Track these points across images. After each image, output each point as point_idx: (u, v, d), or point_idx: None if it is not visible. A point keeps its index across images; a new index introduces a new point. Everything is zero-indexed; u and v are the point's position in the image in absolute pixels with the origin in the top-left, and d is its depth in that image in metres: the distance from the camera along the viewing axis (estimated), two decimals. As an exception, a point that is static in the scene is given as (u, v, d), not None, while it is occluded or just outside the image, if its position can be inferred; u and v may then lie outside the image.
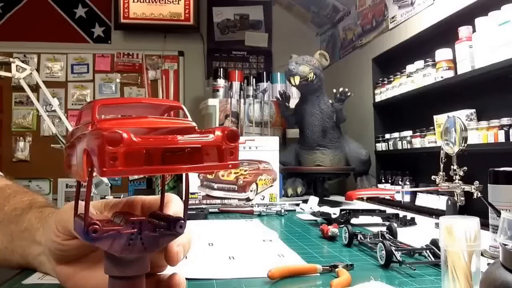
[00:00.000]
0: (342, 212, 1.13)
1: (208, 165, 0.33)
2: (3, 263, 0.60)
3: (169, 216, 0.39)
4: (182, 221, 0.37)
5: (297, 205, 1.47)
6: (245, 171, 1.52)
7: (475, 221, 0.47)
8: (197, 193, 1.48)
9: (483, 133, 1.31)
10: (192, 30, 3.02)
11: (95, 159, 0.29)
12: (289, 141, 2.26)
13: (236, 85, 2.50)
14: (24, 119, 2.91)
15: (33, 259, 0.54)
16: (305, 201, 1.34)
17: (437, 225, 1.09)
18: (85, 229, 0.33)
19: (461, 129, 0.99)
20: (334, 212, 1.12)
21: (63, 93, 2.95)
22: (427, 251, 0.73)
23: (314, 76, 1.83)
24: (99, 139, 0.28)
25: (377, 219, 1.16)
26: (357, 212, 1.15)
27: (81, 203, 0.36)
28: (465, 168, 1.03)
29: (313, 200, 1.29)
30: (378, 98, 2.04)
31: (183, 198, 0.39)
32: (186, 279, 0.59)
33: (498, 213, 0.71)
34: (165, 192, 0.43)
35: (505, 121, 1.25)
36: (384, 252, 0.68)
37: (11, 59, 2.14)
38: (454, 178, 1.04)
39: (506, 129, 1.23)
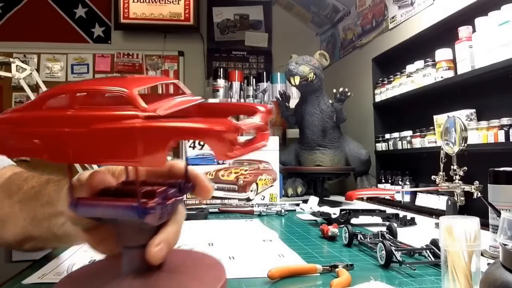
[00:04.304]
0: (342, 212, 1.13)
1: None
2: (30, 243, 0.60)
3: (168, 180, 0.40)
4: (189, 183, 0.40)
5: (297, 205, 1.47)
6: (245, 171, 1.52)
7: (475, 221, 0.47)
8: (197, 193, 1.48)
9: (483, 133, 1.31)
10: (192, 30, 3.02)
11: (217, 145, 0.32)
12: (289, 141, 2.26)
13: (236, 85, 2.50)
14: (24, 119, 2.91)
15: (58, 230, 0.54)
16: (305, 201, 1.34)
17: (437, 225, 1.09)
18: (139, 206, 0.35)
19: (461, 129, 0.99)
20: (334, 212, 1.12)
21: (63, 93, 2.95)
22: (427, 251, 0.73)
23: (314, 76, 1.83)
24: (220, 128, 0.32)
25: (377, 219, 1.16)
26: (357, 212, 1.16)
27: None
28: (465, 168, 1.03)
29: (313, 200, 1.29)
30: (378, 98, 2.04)
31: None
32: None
33: (498, 213, 0.71)
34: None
35: (505, 121, 1.25)
36: (384, 252, 0.68)
37: (11, 59, 2.14)
38: (454, 178, 1.04)
39: (506, 129, 1.23)
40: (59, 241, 0.57)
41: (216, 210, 1.41)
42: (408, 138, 1.78)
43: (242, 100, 2.31)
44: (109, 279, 0.39)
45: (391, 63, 2.02)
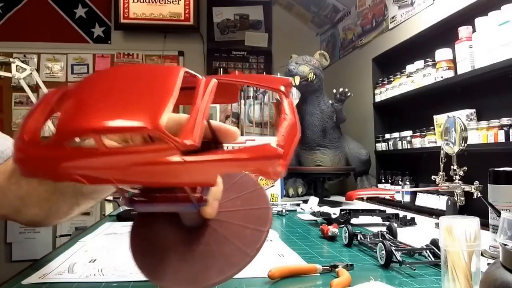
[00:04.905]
0: (342, 212, 1.13)
1: None
2: (56, 215, 0.61)
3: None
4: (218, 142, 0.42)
5: (298, 205, 1.47)
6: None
7: (475, 221, 0.47)
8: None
9: (483, 133, 1.31)
10: (192, 30, 3.02)
11: (263, 174, 0.34)
12: (289, 141, 2.25)
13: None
14: (24, 119, 2.91)
15: (86, 188, 0.55)
16: (306, 201, 1.34)
17: (437, 225, 1.09)
18: (195, 204, 0.38)
19: (461, 129, 0.99)
20: (334, 212, 1.13)
21: (63, 93, 2.95)
22: (427, 251, 0.73)
23: (314, 76, 1.84)
24: (263, 163, 0.33)
25: (377, 219, 1.16)
26: (357, 212, 1.16)
27: None
28: (465, 168, 1.03)
29: (313, 200, 1.29)
30: (378, 98, 2.04)
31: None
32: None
33: (498, 213, 0.71)
34: None
35: (505, 121, 1.25)
36: (384, 252, 0.68)
37: (11, 59, 2.15)
38: (454, 178, 1.04)
39: (506, 129, 1.23)
40: (89, 197, 0.58)
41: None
42: (408, 138, 1.78)
43: (242, 101, 2.31)
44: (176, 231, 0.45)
45: (391, 63, 2.02)
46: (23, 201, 0.59)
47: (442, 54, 1.53)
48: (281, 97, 0.38)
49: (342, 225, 0.92)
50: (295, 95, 2.33)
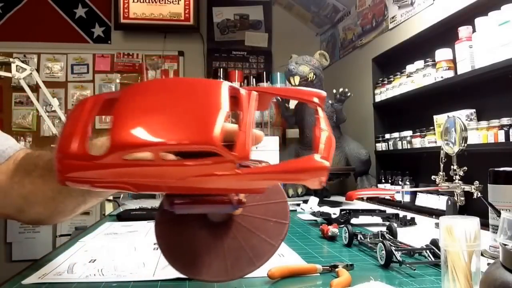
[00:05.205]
0: (342, 212, 1.13)
1: None
2: (62, 214, 0.61)
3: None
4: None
5: (298, 205, 1.47)
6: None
7: (475, 221, 0.47)
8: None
9: (483, 133, 1.31)
10: (192, 30, 3.02)
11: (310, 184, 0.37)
12: (289, 141, 2.26)
13: (236, 85, 2.49)
14: (24, 119, 2.91)
15: None
16: (306, 201, 1.34)
17: (437, 225, 1.09)
18: (235, 205, 0.40)
19: (461, 129, 0.99)
20: (334, 212, 1.12)
21: (63, 93, 2.95)
22: (427, 251, 0.73)
23: (314, 76, 1.84)
24: (312, 177, 0.35)
25: (377, 219, 1.16)
26: (357, 212, 1.16)
27: None
28: (465, 168, 1.03)
29: (313, 200, 1.29)
30: (378, 98, 2.04)
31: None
32: (186, 279, 0.59)
33: (498, 213, 0.71)
34: None
35: (505, 121, 1.25)
36: (384, 252, 0.68)
37: (11, 59, 2.15)
38: (454, 178, 1.04)
39: (506, 129, 1.23)
40: (97, 195, 0.59)
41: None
42: (408, 138, 1.78)
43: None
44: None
45: (391, 63, 2.02)
46: (27, 200, 0.59)
47: (442, 54, 1.53)
48: (316, 109, 0.40)
49: (342, 225, 0.92)
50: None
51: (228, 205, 0.39)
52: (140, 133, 0.32)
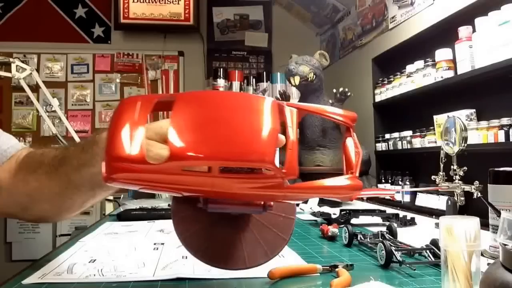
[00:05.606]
0: (342, 212, 1.13)
1: None
2: (66, 207, 0.61)
3: None
4: None
5: (298, 205, 1.47)
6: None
7: (475, 221, 0.47)
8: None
9: (483, 133, 1.31)
10: (192, 30, 3.02)
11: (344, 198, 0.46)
12: (289, 141, 2.25)
13: (236, 85, 2.50)
14: (24, 119, 2.91)
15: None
16: (306, 201, 1.34)
17: (437, 225, 1.09)
18: (264, 208, 0.45)
19: (461, 129, 0.99)
20: (334, 212, 1.12)
21: (63, 93, 2.95)
22: (427, 251, 0.72)
23: (314, 76, 1.83)
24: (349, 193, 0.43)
25: (377, 219, 1.16)
26: (357, 212, 1.15)
27: None
28: (465, 168, 1.03)
29: (313, 200, 1.29)
30: (378, 98, 2.04)
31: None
32: (186, 279, 0.59)
33: (498, 213, 0.71)
34: None
35: (505, 121, 1.25)
36: (384, 252, 0.68)
37: (11, 59, 2.15)
38: (454, 178, 1.04)
39: (506, 129, 1.23)
40: (107, 189, 0.58)
41: (216, 210, 1.40)
42: (408, 138, 1.78)
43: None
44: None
45: (391, 63, 2.02)
46: (31, 198, 0.59)
47: (442, 54, 1.53)
48: (348, 130, 0.46)
49: (342, 225, 0.92)
50: (295, 94, 2.33)
51: (259, 208, 0.43)
52: (202, 147, 0.35)
